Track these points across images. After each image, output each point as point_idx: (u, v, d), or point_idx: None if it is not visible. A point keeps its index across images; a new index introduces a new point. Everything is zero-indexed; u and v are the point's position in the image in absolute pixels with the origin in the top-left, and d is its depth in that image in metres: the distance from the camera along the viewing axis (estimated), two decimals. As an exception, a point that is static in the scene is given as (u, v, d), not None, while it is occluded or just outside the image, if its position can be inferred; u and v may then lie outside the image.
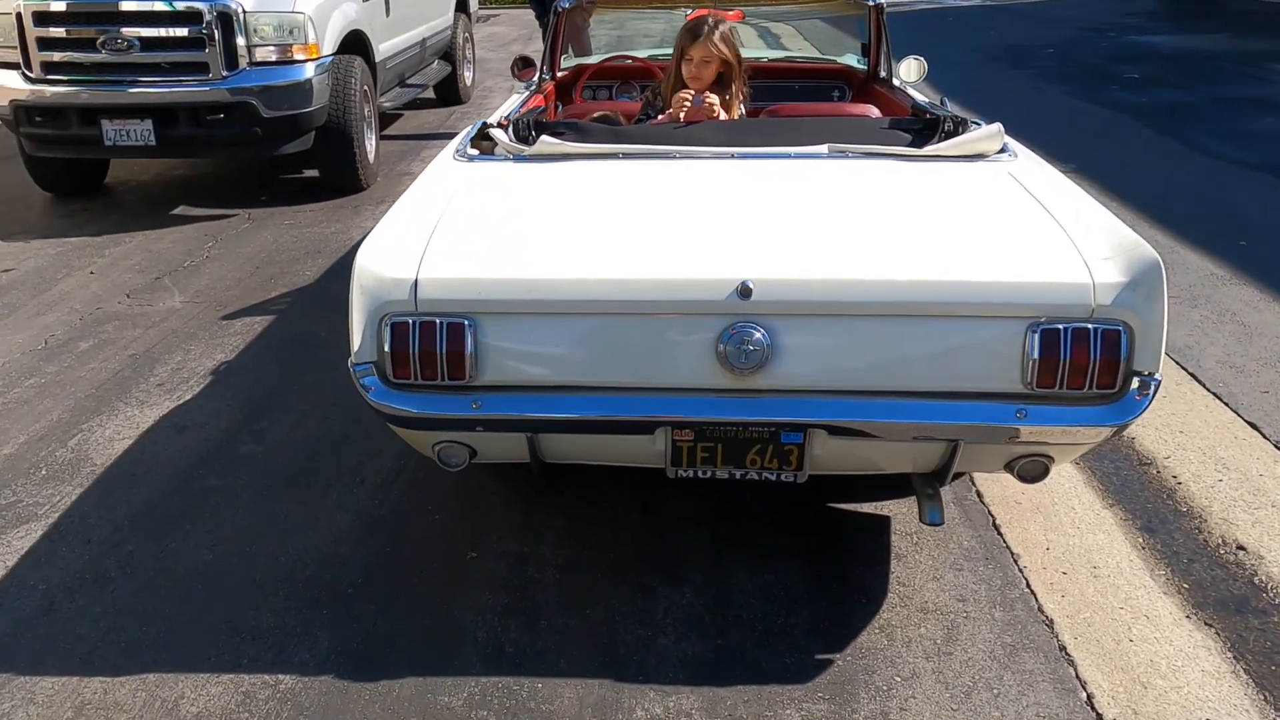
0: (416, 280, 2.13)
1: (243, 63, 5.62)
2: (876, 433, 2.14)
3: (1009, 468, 2.24)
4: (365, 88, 6.31)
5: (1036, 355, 2.04)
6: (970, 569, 2.54)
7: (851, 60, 4.62)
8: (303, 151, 6.07)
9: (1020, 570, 2.54)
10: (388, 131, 8.00)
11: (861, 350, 2.10)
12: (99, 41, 5.53)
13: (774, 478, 2.24)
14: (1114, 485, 2.92)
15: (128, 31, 5.53)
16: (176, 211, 6.11)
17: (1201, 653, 2.26)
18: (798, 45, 4.61)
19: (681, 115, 3.08)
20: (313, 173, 6.59)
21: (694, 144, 2.80)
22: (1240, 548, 2.64)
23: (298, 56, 5.75)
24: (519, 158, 2.79)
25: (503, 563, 2.61)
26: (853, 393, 2.11)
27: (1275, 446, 3.08)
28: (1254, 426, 3.20)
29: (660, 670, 2.24)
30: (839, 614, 2.39)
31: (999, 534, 2.68)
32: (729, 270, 2.09)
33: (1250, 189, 5.94)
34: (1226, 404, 3.35)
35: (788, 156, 2.72)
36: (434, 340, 2.12)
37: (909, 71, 4.18)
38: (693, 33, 3.18)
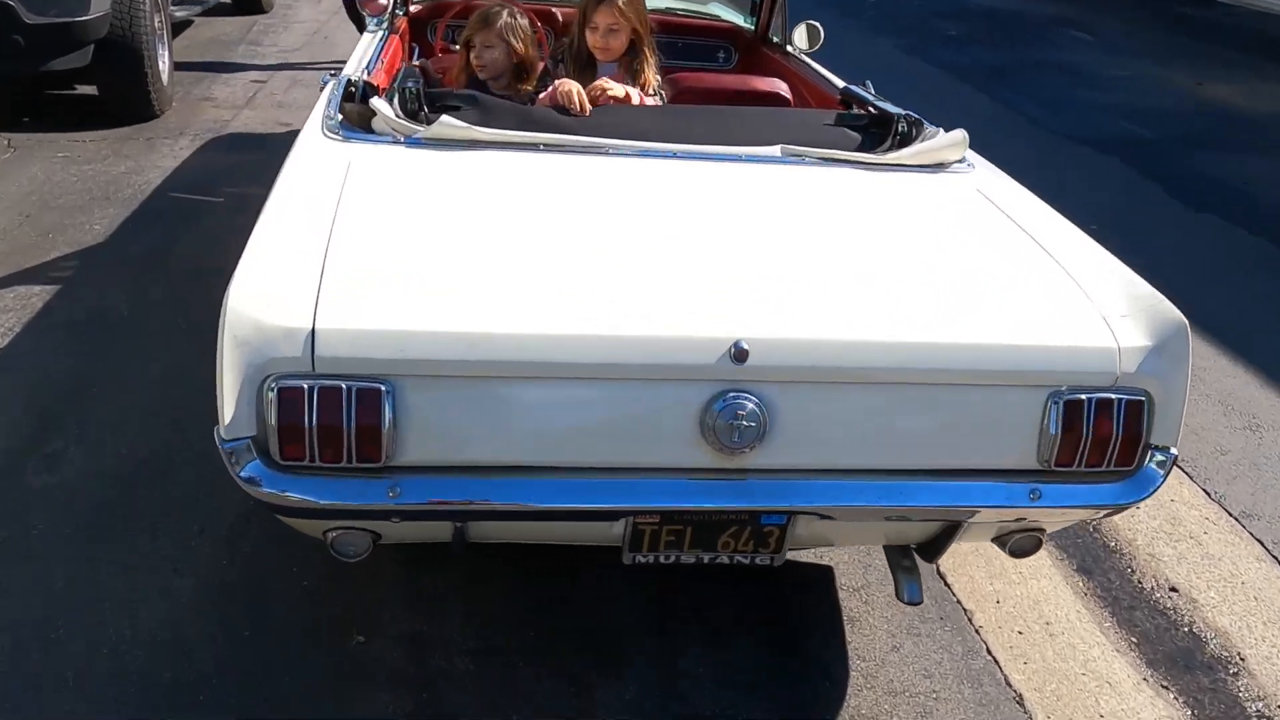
0: (314, 331, 1.60)
1: (-4, -45, 4.56)
2: (879, 517, 1.84)
3: (1000, 542, 2.00)
4: (156, -6, 5.33)
5: (1057, 429, 1.78)
6: (928, 633, 2.32)
7: (737, 18, 4.23)
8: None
9: (977, 631, 2.34)
10: (178, 43, 6.91)
11: (867, 424, 1.78)
12: None
13: (746, 561, 1.90)
14: (1043, 517, 2.79)
15: None
16: (-94, 133, 4.99)
17: (1171, 727, 2.15)
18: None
19: (579, 106, 2.44)
20: (88, 89, 5.55)
21: (623, 134, 2.35)
22: (1173, 589, 2.57)
23: (70, -48, 4.74)
24: (411, 141, 2.24)
25: (399, 648, 2.14)
26: (852, 471, 1.80)
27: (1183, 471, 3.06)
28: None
29: (610, 791, 1.89)
30: (803, 702, 2.11)
31: (945, 583, 2.48)
32: (719, 327, 1.70)
33: (1080, 165, 6.08)
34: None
35: (738, 159, 2.33)
36: (339, 411, 1.61)
37: (800, 38, 3.86)
38: None
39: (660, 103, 2.82)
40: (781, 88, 3.24)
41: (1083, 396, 1.78)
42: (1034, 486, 1.82)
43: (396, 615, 2.22)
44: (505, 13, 2.80)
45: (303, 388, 1.60)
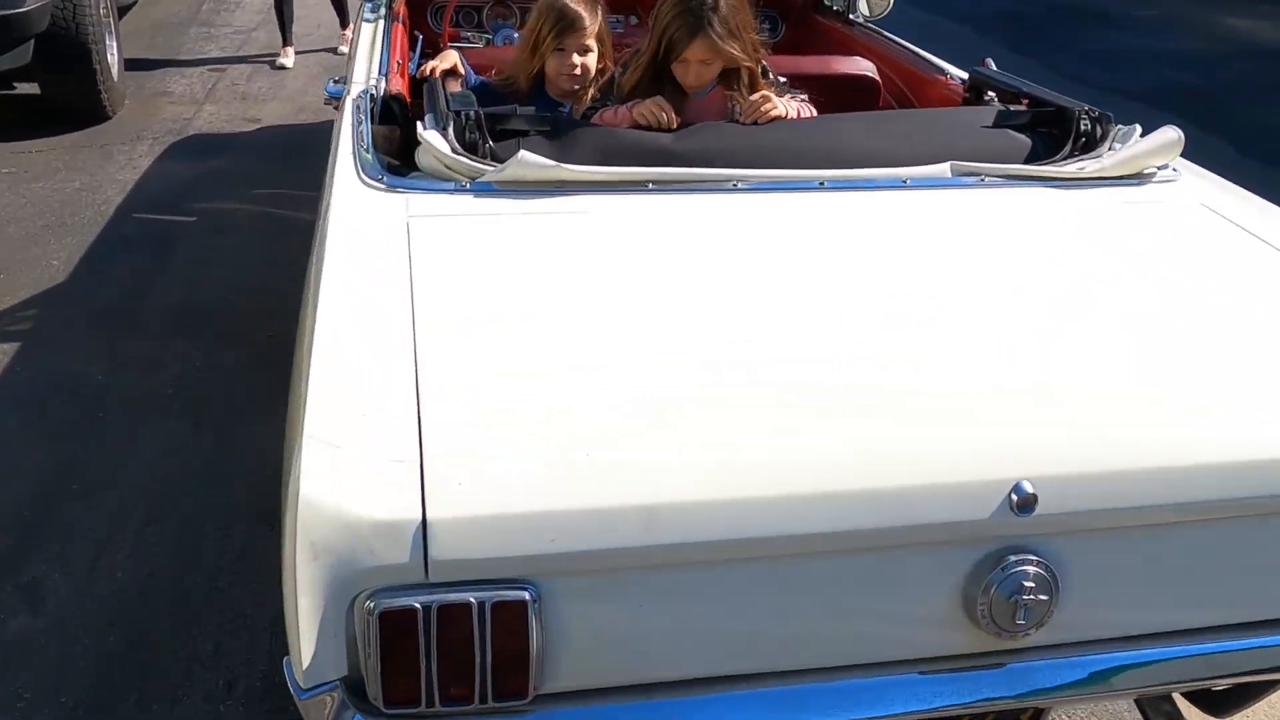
0: (424, 523, 1.07)
1: (-91, -59, 3.90)
2: (1174, 676, 1.37)
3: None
4: (101, -22, 4.67)
5: None
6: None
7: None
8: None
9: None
10: (123, 28, 6.20)
11: (1182, 575, 1.29)
12: None
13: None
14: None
15: None
16: None
17: None
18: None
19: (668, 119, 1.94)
20: (29, 88, 4.88)
21: (743, 161, 1.80)
22: None
23: (-4, -67, 4.08)
24: (479, 186, 1.70)
25: None
26: (1158, 635, 1.32)
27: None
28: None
29: None
30: None
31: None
32: (988, 465, 1.20)
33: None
34: None
35: (900, 184, 1.80)
36: (469, 634, 1.10)
37: (863, 4, 3.34)
38: (689, 24, 1.96)
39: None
40: (868, 69, 2.71)
41: None
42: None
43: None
44: (596, 9, 2.21)
45: (414, 607, 1.08)
